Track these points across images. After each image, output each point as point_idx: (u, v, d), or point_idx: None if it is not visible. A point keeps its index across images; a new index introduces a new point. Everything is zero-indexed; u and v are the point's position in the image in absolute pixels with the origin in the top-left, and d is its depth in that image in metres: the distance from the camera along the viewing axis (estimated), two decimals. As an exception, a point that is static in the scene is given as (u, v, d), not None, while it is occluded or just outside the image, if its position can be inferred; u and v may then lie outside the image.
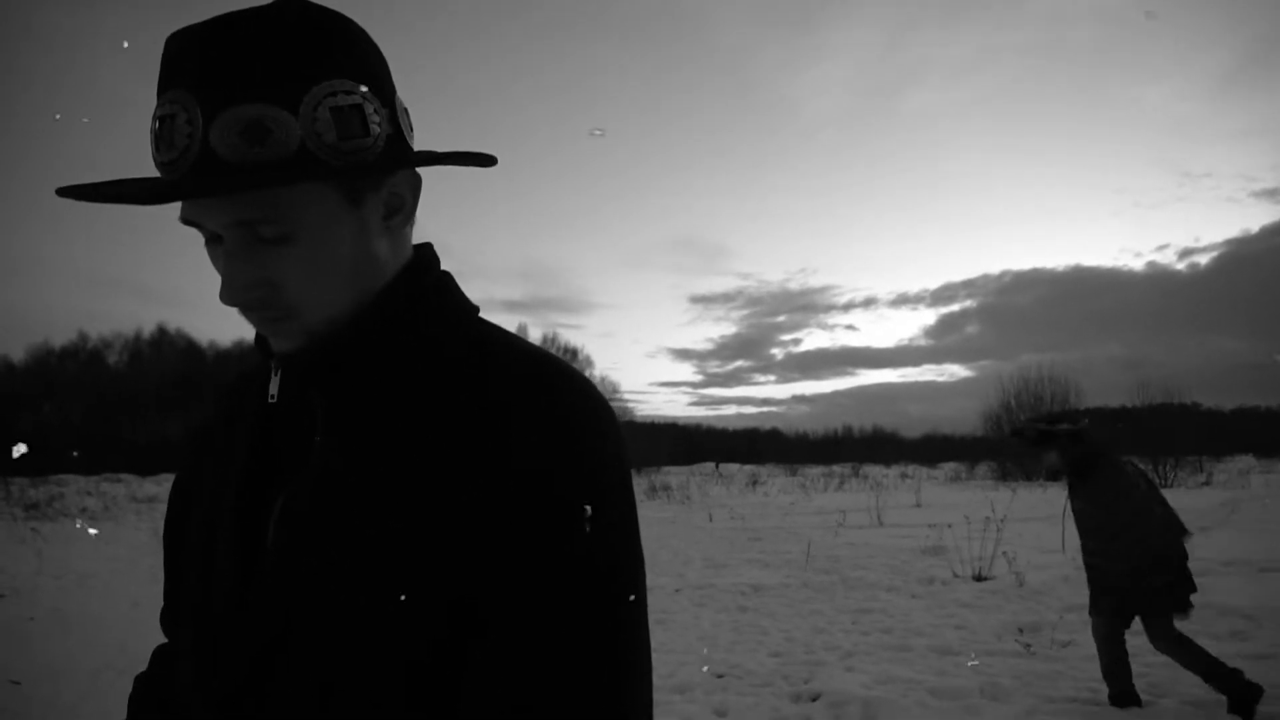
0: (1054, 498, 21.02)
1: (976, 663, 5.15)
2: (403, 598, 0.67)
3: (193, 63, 0.67)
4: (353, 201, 0.73)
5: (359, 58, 0.72)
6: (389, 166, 0.73)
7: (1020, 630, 5.96)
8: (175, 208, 0.71)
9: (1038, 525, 13.45)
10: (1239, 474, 28.58)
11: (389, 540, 0.68)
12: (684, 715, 4.40)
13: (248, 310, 0.73)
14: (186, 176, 0.67)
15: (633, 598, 0.70)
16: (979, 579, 8.28)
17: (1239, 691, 4.08)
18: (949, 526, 11.57)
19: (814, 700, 4.59)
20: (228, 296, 0.71)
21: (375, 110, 0.72)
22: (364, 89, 0.71)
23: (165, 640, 0.95)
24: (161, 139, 0.68)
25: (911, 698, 4.52)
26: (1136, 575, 4.19)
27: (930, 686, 4.71)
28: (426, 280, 0.81)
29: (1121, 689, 4.36)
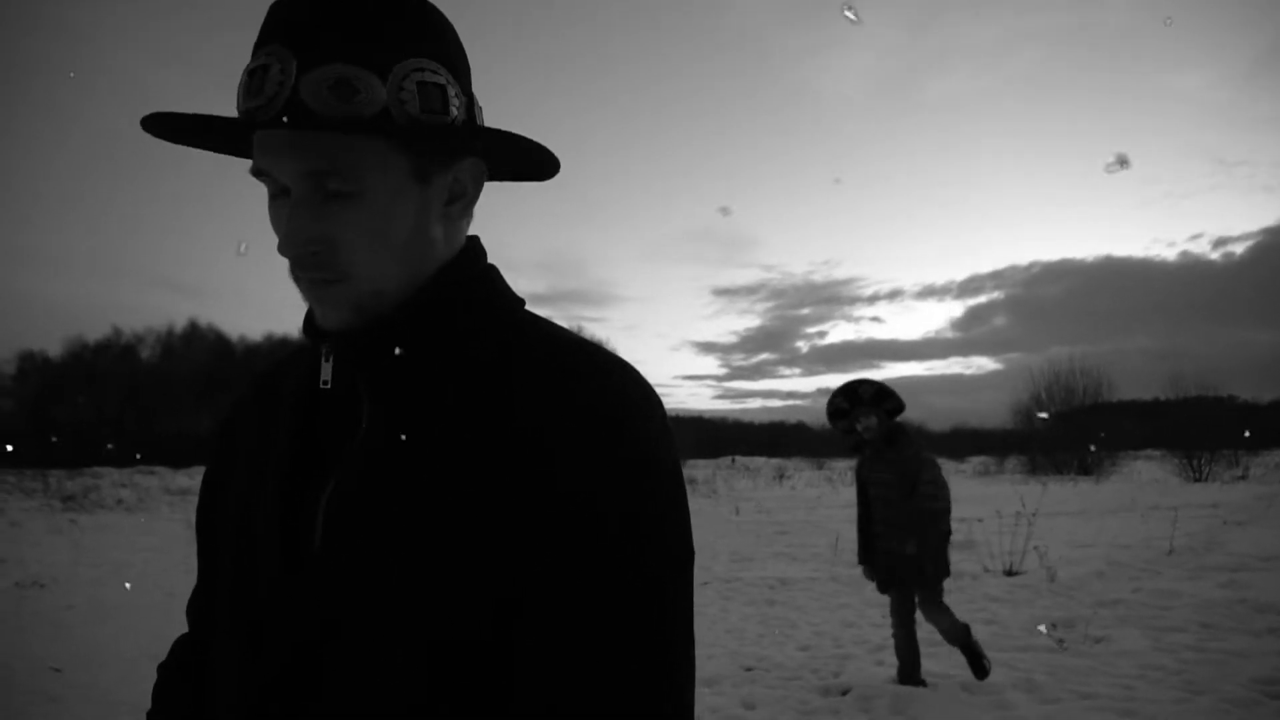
0: (1086, 492, 20.78)
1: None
2: (447, 587, 0.67)
3: (295, 21, 0.70)
4: (420, 178, 0.75)
5: (448, 46, 0.76)
6: (461, 146, 0.76)
7: (1053, 625, 5.89)
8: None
9: (1069, 519, 13.30)
10: (1276, 468, 27.99)
11: (433, 530, 0.68)
12: (712, 707, 4.40)
13: (302, 269, 0.73)
14: (273, 120, 0.69)
15: (677, 591, 0.70)
16: (1010, 574, 8.20)
17: (979, 663, 4.57)
18: (979, 521, 11.45)
19: (844, 694, 4.57)
20: (287, 248, 0.72)
21: (456, 95, 0.75)
22: (449, 73, 0.74)
23: (187, 630, 0.95)
24: (251, 87, 0.70)
25: (943, 692, 4.49)
26: (937, 544, 4.47)
27: (961, 681, 4.67)
28: (476, 270, 0.82)
29: (915, 682, 4.62)
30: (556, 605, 0.67)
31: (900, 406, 4.69)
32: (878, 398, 4.66)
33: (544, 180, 0.90)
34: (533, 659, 0.67)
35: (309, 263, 0.72)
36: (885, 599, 4.69)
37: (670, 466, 0.72)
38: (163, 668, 0.93)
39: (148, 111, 0.71)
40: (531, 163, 0.84)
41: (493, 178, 0.85)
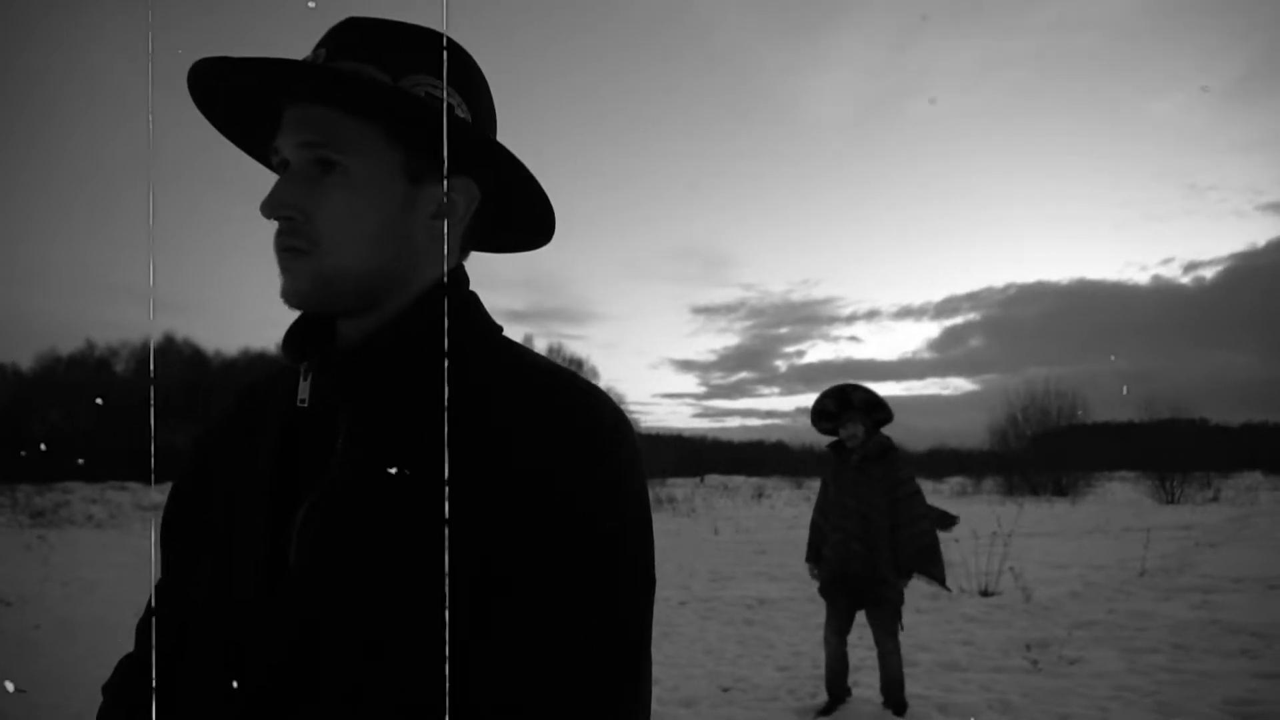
0: (1061, 513, 20.94)
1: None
2: (422, 606, 0.68)
3: (338, 31, 0.78)
4: (410, 176, 0.78)
5: (471, 86, 0.82)
6: (449, 141, 0.78)
7: (1028, 647, 5.92)
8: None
9: (1044, 540, 13.40)
10: (1247, 490, 28.38)
11: (409, 549, 0.69)
12: (690, 729, 4.38)
13: (278, 235, 0.77)
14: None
15: (643, 609, 0.73)
16: (985, 594, 8.24)
17: (899, 702, 4.48)
18: (955, 541, 11.51)
19: (822, 714, 4.56)
20: (266, 208, 0.75)
21: (464, 117, 0.79)
22: (462, 100, 0.80)
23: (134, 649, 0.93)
24: None
25: (919, 714, 4.49)
26: (924, 566, 4.37)
27: (937, 702, 4.68)
28: (458, 295, 0.83)
29: (843, 691, 4.61)
30: (529, 614, 0.68)
31: (888, 418, 4.57)
32: (868, 406, 4.52)
33: (533, 248, 0.94)
34: (503, 663, 0.68)
35: (284, 228, 0.76)
36: (867, 621, 4.61)
37: (640, 490, 0.75)
38: (107, 689, 0.91)
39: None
40: (526, 209, 0.86)
41: (481, 246, 0.90)
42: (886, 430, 4.67)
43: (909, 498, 4.42)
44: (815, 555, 4.73)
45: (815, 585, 4.71)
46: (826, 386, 4.68)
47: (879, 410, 4.54)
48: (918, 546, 4.36)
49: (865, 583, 4.40)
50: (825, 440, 4.76)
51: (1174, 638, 6.19)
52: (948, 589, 4.52)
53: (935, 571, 4.37)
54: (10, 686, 4.90)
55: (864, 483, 4.44)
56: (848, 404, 4.55)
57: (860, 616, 4.62)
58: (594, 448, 0.72)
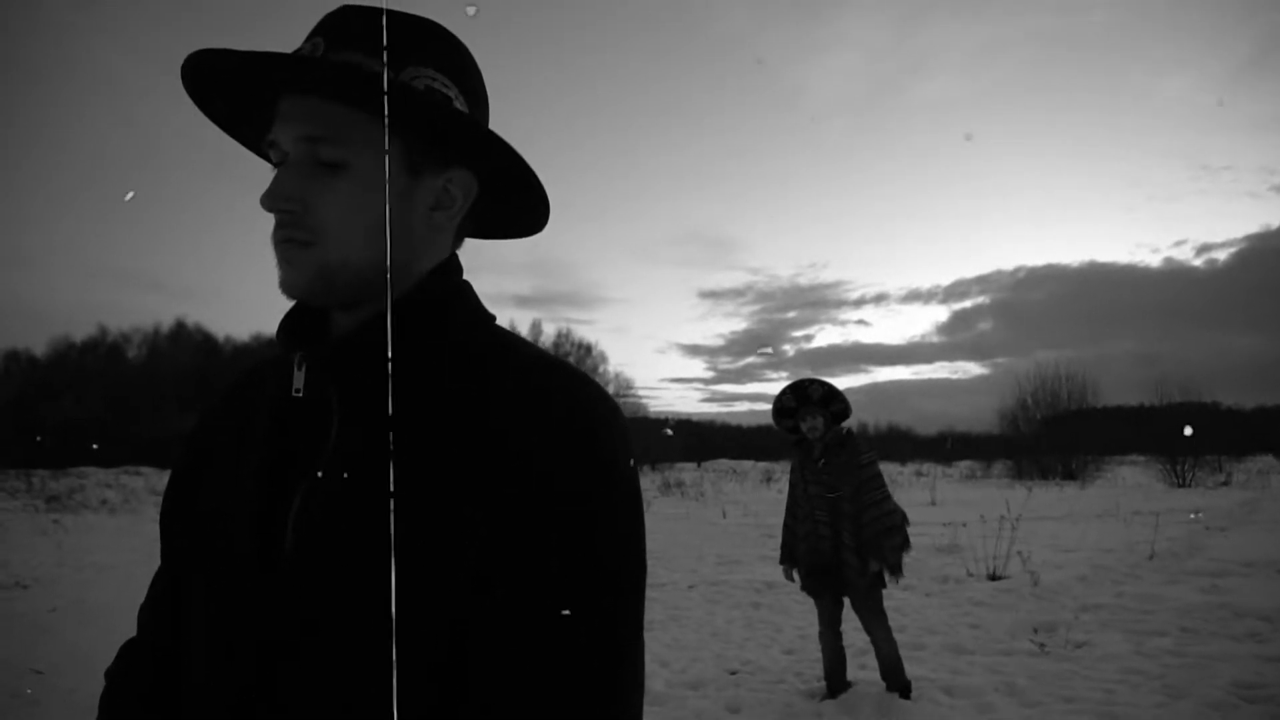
0: (1070, 497, 20.90)
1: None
2: (417, 589, 0.69)
3: (334, 23, 0.78)
4: (410, 170, 0.79)
5: (468, 76, 0.82)
6: (453, 145, 0.79)
7: (1035, 630, 5.93)
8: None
9: (1053, 524, 13.38)
10: (1259, 474, 28.22)
11: (404, 535, 0.70)
12: (697, 711, 4.41)
13: (278, 228, 0.77)
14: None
15: (634, 596, 0.73)
16: (993, 578, 8.24)
17: (902, 685, 4.51)
18: (964, 525, 11.52)
19: (826, 698, 4.59)
20: (267, 201, 0.75)
21: (462, 109, 0.80)
22: (460, 94, 0.80)
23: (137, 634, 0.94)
24: None
25: (925, 696, 4.51)
26: (879, 549, 4.40)
27: (944, 685, 4.70)
28: (451, 285, 0.84)
29: (842, 684, 4.63)
30: (520, 600, 0.69)
31: (846, 411, 4.64)
32: (826, 399, 4.60)
33: (527, 235, 0.95)
34: (493, 651, 0.69)
35: (285, 220, 0.76)
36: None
37: (630, 475, 0.76)
38: (110, 674, 0.92)
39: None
40: (522, 198, 0.87)
41: (475, 233, 0.90)
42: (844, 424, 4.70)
43: (869, 480, 4.49)
44: (789, 557, 4.72)
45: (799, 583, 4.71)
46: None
47: (836, 402, 4.62)
48: (879, 529, 4.41)
49: (842, 569, 4.43)
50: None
51: (1182, 621, 6.18)
52: (896, 576, 4.50)
53: (889, 555, 4.40)
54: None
55: (829, 472, 4.51)
56: (806, 399, 4.64)
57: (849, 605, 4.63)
58: (584, 434, 0.73)
